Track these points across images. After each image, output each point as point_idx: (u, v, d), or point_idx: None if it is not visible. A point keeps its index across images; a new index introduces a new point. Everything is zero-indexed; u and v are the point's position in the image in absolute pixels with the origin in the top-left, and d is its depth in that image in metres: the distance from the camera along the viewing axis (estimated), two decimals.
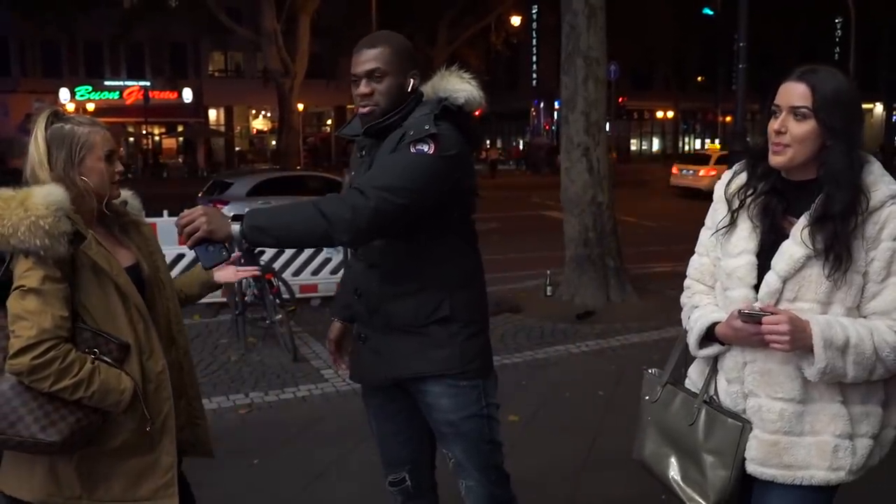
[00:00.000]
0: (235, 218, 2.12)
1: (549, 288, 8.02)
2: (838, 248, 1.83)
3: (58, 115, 2.10)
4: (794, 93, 1.88)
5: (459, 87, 2.32)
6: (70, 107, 34.09)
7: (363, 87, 2.28)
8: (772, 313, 1.83)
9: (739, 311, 1.88)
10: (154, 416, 2.10)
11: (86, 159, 2.07)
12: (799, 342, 1.82)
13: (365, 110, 2.31)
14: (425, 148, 2.18)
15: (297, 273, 7.96)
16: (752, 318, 1.85)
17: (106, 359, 2.00)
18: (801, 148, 1.88)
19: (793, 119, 1.87)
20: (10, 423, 1.91)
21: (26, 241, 1.89)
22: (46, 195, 1.95)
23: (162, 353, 2.14)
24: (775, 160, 1.92)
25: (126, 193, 2.29)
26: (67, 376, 1.91)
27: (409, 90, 2.32)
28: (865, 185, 1.86)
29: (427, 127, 2.20)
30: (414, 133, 2.20)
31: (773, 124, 1.91)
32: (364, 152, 2.40)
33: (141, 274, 2.17)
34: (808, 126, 1.86)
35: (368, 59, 2.27)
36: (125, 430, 2.06)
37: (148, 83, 36.32)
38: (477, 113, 2.42)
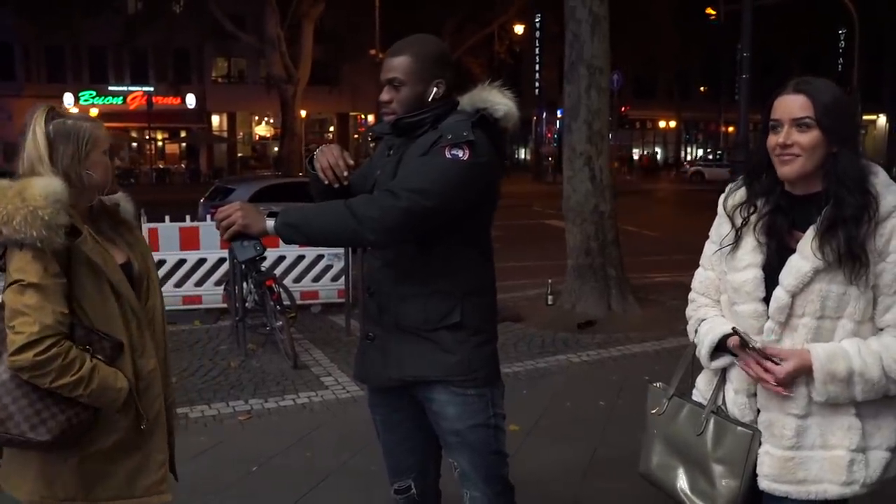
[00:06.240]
0: (271, 215, 2.18)
1: (550, 297, 8.00)
2: (856, 249, 1.80)
3: (56, 112, 2.10)
4: (793, 105, 1.87)
5: (500, 100, 2.35)
6: (74, 111, 34.15)
7: (384, 94, 2.35)
8: (767, 354, 1.85)
9: (735, 329, 1.90)
10: (147, 414, 2.11)
11: (91, 154, 2.06)
12: (799, 376, 1.86)
13: (386, 118, 2.38)
14: (460, 153, 2.20)
15: (298, 280, 7.95)
16: (746, 345, 1.87)
17: (99, 357, 1.97)
18: (811, 157, 1.86)
19: (796, 131, 1.86)
20: None
21: (21, 232, 1.86)
22: (45, 186, 1.92)
23: (153, 352, 2.15)
24: (785, 170, 1.89)
25: (119, 196, 2.27)
26: (69, 373, 1.89)
27: (430, 98, 2.33)
28: (875, 191, 1.85)
29: (465, 133, 2.21)
30: (452, 137, 2.21)
31: (776, 139, 1.89)
32: (392, 151, 2.41)
33: (132, 272, 2.16)
34: (812, 135, 1.85)
35: (390, 67, 2.33)
36: (119, 429, 2.06)
37: (151, 89, 36.37)
38: None
